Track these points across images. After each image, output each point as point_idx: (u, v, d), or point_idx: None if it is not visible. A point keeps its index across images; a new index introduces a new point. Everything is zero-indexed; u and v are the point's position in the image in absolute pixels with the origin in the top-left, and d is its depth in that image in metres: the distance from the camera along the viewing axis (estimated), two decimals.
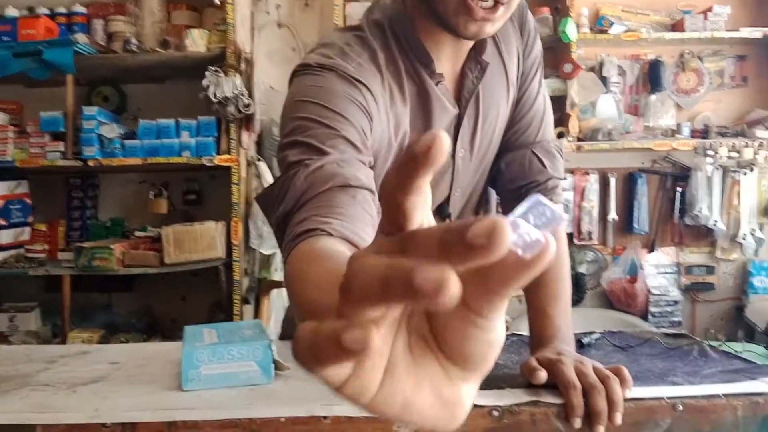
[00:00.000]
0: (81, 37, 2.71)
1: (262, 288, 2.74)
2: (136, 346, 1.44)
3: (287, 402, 0.78)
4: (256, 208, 2.69)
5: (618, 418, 0.75)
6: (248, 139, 2.75)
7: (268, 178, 2.70)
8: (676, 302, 2.99)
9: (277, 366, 0.89)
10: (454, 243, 0.24)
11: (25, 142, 2.78)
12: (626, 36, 2.88)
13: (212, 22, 2.82)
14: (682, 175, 3.02)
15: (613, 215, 3.04)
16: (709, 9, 2.94)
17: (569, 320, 0.94)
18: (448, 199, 1.01)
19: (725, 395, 0.80)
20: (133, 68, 2.88)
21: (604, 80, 2.98)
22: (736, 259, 3.05)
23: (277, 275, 2.74)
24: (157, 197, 2.92)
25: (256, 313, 2.71)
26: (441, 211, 1.02)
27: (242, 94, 2.59)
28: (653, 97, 3.02)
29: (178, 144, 2.71)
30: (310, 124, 0.75)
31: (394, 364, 0.28)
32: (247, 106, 2.62)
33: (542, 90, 1.04)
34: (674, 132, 3.01)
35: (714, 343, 1.07)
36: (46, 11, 2.90)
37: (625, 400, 0.77)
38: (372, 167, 0.77)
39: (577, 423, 0.75)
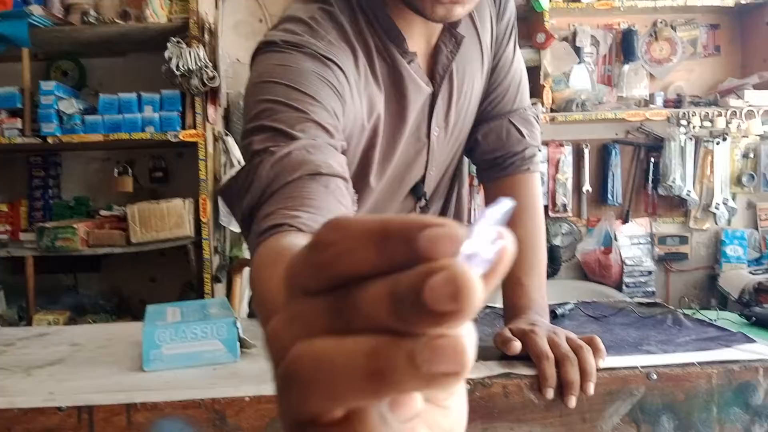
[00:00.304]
0: (36, 9, 2.59)
1: (233, 266, 2.70)
2: (99, 327, 1.39)
3: (253, 380, 0.76)
4: None
5: (590, 388, 0.75)
6: (214, 113, 2.68)
7: (237, 154, 2.64)
8: (649, 272, 3.02)
9: (243, 344, 0.86)
10: (410, 312, 0.19)
11: None
12: (599, 5, 2.86)
13: None
14: (656, 146, 3.03)
15: (587, 187, 3.05)
16: None
17: (543, 291, 0.93)
18: (423, 179, 0.98)
19: (699, 363, 0.79)
20: (92, 41, 2.80)
21: (577, 50, 2.96)
22: (709, 229, 3.08)
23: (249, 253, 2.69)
24: (122, 175, 2.86)
25: (229, 292, 2.66)
26: (416, 190, 0.98)
27: (206, 67, 2.51)
28: (626, 67, 3.02)
29: (140, 119, 2.63)
30: (277, 107, 0.69)
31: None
32: (211, 78, 2.54)
33: (517, 54, 1.01)
34: (647, 102, 3.02)
35: (688, 312, 1.06)
36: None
37: (599, 369, 0.76)
38: (344, 152, 0.72)
39: (550, 394, 0.74)
